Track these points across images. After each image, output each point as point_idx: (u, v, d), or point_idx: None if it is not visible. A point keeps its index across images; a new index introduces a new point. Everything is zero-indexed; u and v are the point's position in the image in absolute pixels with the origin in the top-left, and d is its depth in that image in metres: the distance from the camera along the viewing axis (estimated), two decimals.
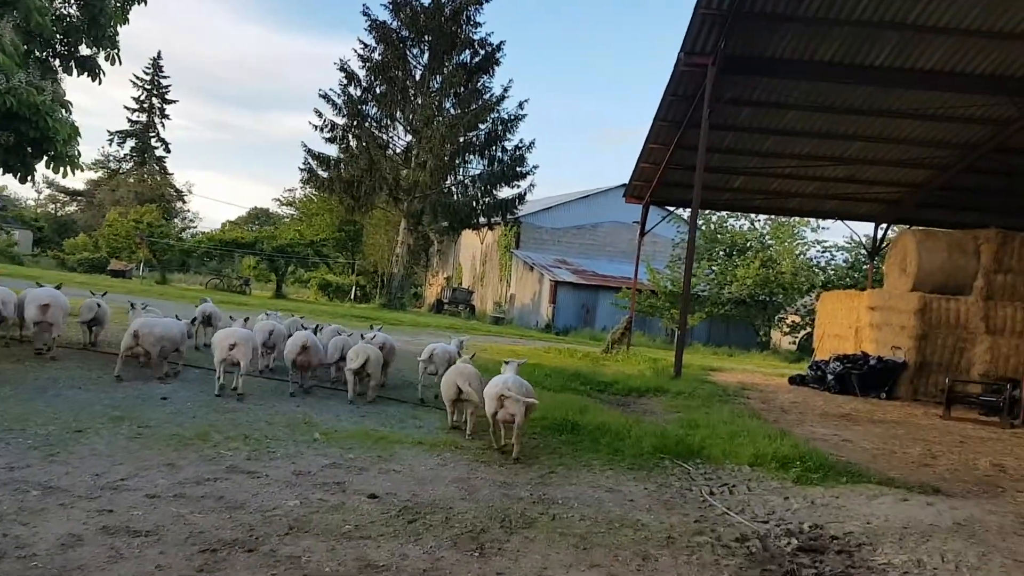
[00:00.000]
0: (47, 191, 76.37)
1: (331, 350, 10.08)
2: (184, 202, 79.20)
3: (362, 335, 10.69)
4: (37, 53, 13.47)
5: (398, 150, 38.45)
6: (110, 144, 74.89)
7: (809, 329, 35.78)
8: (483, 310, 41.60)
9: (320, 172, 36.75)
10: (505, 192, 39.11)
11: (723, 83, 16.31)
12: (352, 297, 39.44)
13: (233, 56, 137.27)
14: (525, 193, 38.65)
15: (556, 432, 8.85)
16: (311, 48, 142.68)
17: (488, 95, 37.28)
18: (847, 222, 25.75)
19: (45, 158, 11.85)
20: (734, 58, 15.57)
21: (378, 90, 36.94)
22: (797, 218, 34.22)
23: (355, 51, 36.92)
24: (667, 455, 8.38)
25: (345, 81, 36.79)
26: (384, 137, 37.69)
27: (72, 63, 13.86)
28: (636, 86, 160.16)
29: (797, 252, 33.71)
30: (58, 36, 13.61)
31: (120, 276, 36.21)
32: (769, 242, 34.42)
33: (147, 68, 75.30)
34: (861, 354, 18.78)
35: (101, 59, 14.26)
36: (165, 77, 75.85)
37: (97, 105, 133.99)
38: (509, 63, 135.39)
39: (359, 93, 37.06)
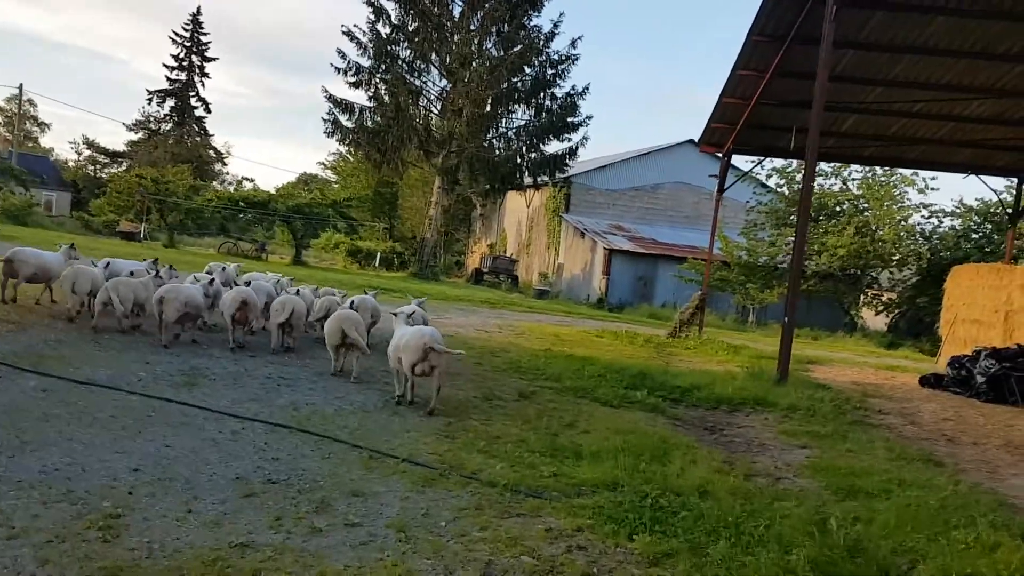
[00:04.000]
0: (87, 152, 74.32)
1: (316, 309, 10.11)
2: (224, 164, 76.41)
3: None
4: None
5: (432, 97, 33.93)
6: (149, 103, 72.06)
7: (905, 308, 30.73)
8: (528, 281, 37.28)
9: (344, 122, 32.52)
10: (554, 146, 34.39)
11: None
12: (377, 264, 35.41)
13: (288, 20, 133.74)
14: (577, 147, 33.76)
15: (625, 524, 4.62)
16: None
17: (535, 33, 32.39)
18: (982, 177, 20.53)
19: None
20: None
21: (410, 27, 32.32)
22: (897, 177, 29.00)
23: None
24: None
25: (373, 18, 32.15)
26: (416, 83, 33.09)
27: None
28: (710, 44, 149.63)
29: (898, 217, 28.43)
30: None
31: (130, 238, 32.93)
32: (863, 205, 29.17)
33: (186, 24, 72.15)
34: (1017, 348, 14.33)
35: None
36: (205, 34, 72.51)
37: (144, 66, 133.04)
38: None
39: (388, 31, 32.48)
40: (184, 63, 72.58)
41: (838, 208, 29.57)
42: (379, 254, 36.04)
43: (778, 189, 32.00)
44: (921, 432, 10.07)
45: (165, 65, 71.50)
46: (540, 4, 32.45)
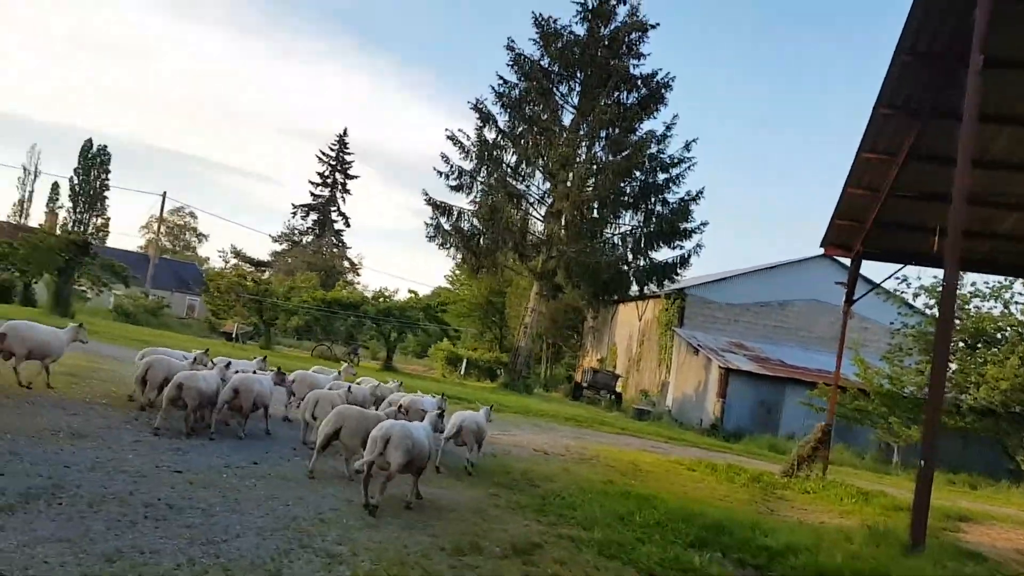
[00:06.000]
0: (233, 260, 78.95)
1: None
2: (357, 274, 79.04)
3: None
4: None
5: (533, 200, 32.59)
6: (293, 216, 76.60)
7: None
8: (634, 399, 34.06)
9: (444, 225, 31.62)
10: (664, 254, 32.00)
11: (1005, 18, 9.14)
12: (463, 371, 33.54)
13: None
14: (689, 255, 31.14)
15: None
16: None
17: (645, 136, 30.54)
18: None
19: None
20: None
21: (517, 131, 31.53)
22: None
23: (492, 88, 31.82)
24: None
25: (480, 123, 31.75)
26: (520, 186, 31.98)
27: None
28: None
29: None
30: None
31: (231, 339, 32.92)
32: None
33: (332, 145, 77.21)
34: None
35: None
36: (349, 153, 77.49)
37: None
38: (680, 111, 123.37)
39: (494, 136, 31.90)
40: (328, 180, 77.22)
41: (999, 335, 25.07)
42: (465, 361, 34.21)
43: (927, 311, 27.83)
44: None
45: (310, 182, 76.67)
46: (654, 110, 30.91)
